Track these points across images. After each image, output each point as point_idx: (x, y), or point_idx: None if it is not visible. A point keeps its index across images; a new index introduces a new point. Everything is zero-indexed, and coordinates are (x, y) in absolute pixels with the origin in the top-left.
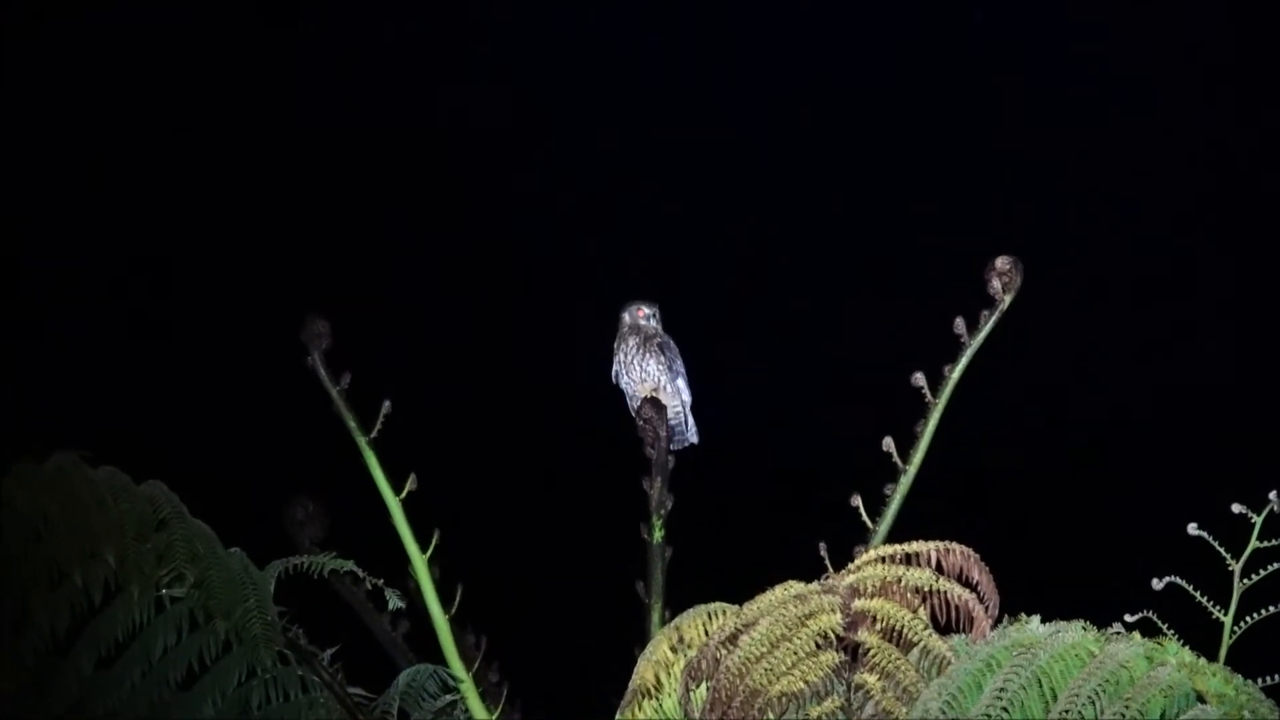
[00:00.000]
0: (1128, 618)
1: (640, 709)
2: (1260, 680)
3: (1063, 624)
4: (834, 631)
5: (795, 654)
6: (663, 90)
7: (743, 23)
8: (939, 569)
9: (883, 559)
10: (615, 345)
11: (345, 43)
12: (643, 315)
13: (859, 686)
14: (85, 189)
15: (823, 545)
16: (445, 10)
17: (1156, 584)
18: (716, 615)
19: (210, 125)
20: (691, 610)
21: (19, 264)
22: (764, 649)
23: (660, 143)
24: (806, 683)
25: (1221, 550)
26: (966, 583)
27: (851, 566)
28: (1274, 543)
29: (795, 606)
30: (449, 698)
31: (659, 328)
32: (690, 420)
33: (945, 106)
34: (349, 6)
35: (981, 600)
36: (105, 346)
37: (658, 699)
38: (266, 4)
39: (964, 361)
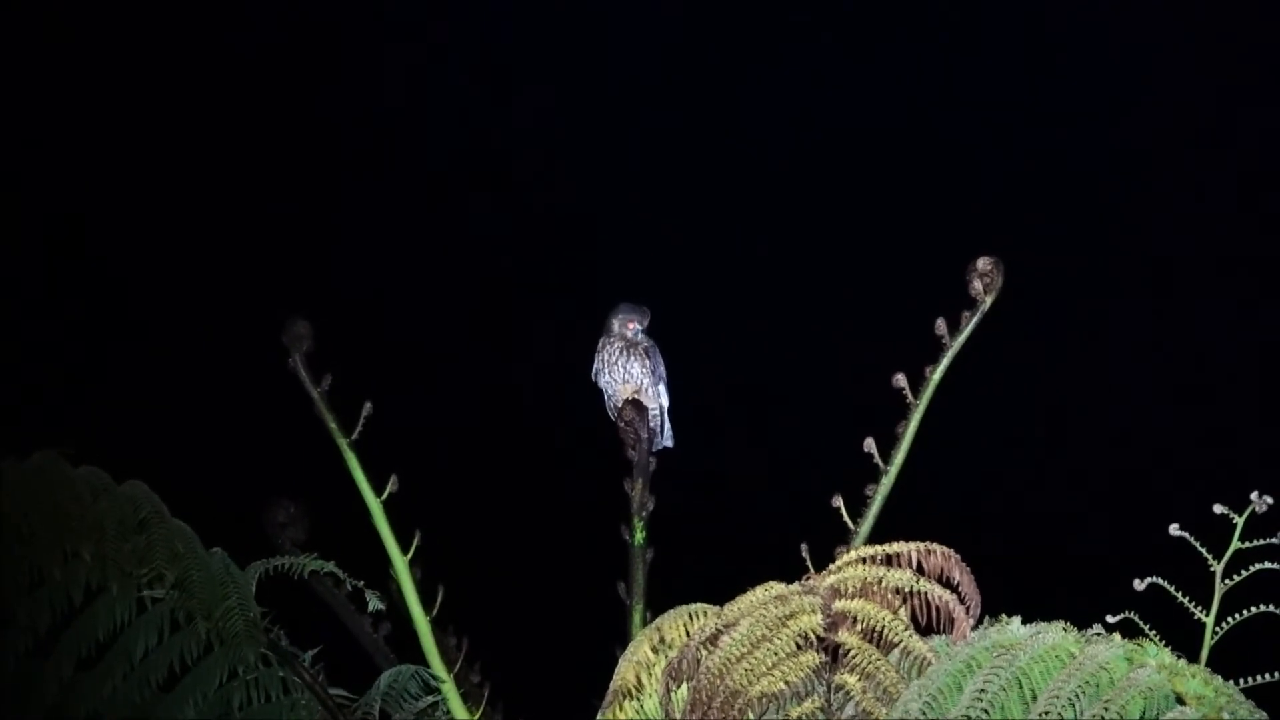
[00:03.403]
0: (1109, 619)
1: (621, 709)
2: (1241, 681)
3: (1043, 625)
4: (814, 632)
5: (776, 655)
6: (653, 92)
7: (731, 27)
8: (920, 570)
9: (864, 560)
10: (599, 343)
11: (331, 37)
12: (631, 328)
13: (839, 687)
14: (64, 187)
15: (804, 546)
16: (448, 8)
17: (1138, 585)
18: (697, 616)
19: (194, 127)
20: (672, 611)
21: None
22: (745, 649)
23: (649, 145)
24: (787, 683)
25: (1204, 551)
26: (947, 584)
27: (832, 567)
28: (1256, 543)
29: (776, 607)
30: (430, 699)
31: (645, 339)
32: (667, 425)
33: (930, 108)
34: (341, 7)
35: (962, 601)
36: (87, 347)
37: (639, 699)
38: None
39: (945, 362)
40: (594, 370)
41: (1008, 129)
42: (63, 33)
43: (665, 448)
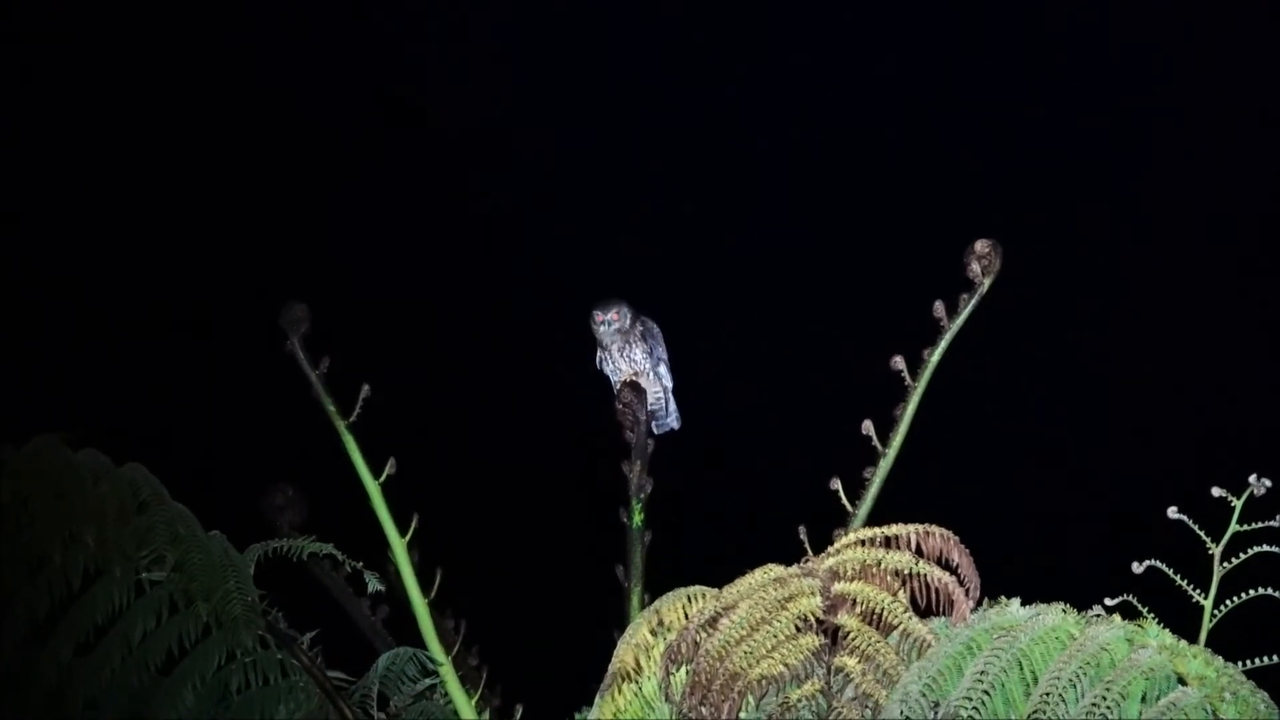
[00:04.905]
0: (1108, 600)
1: (620, 692)
2: (1240, 663)
3: (1043, 607)
4: (814, 615)
5: (775, 637)
6: (654, 89)
7: (725, 23)
8: (919, 552)
9: (862, 542)
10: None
11: (330, 34)
12: (600, 321)
13: (839, 669)
14: (63, 178)
15: (802, 528)
16: (450, 7)
17: (1137, 567)
18: (696, 598)
19: (187, 117)
20: (671, 594)
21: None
22: (744, 632)
23: (649, 136)
24: (786, 666)
25: (1202, 534)
26: (946, 565)
27: (831, 550)
28: (1254, 526)
29: (775, 590)
30: (428, 681)
31: (622, 327)
32: (672, 405)
33: (930, 91)
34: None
35: (962, 583)
36: (85, 332)
37: (637, 682)
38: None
39: (943, 345)
40: (598, 358)
41: (1007, 126)
42: (65, 26)
43: (672, 429)
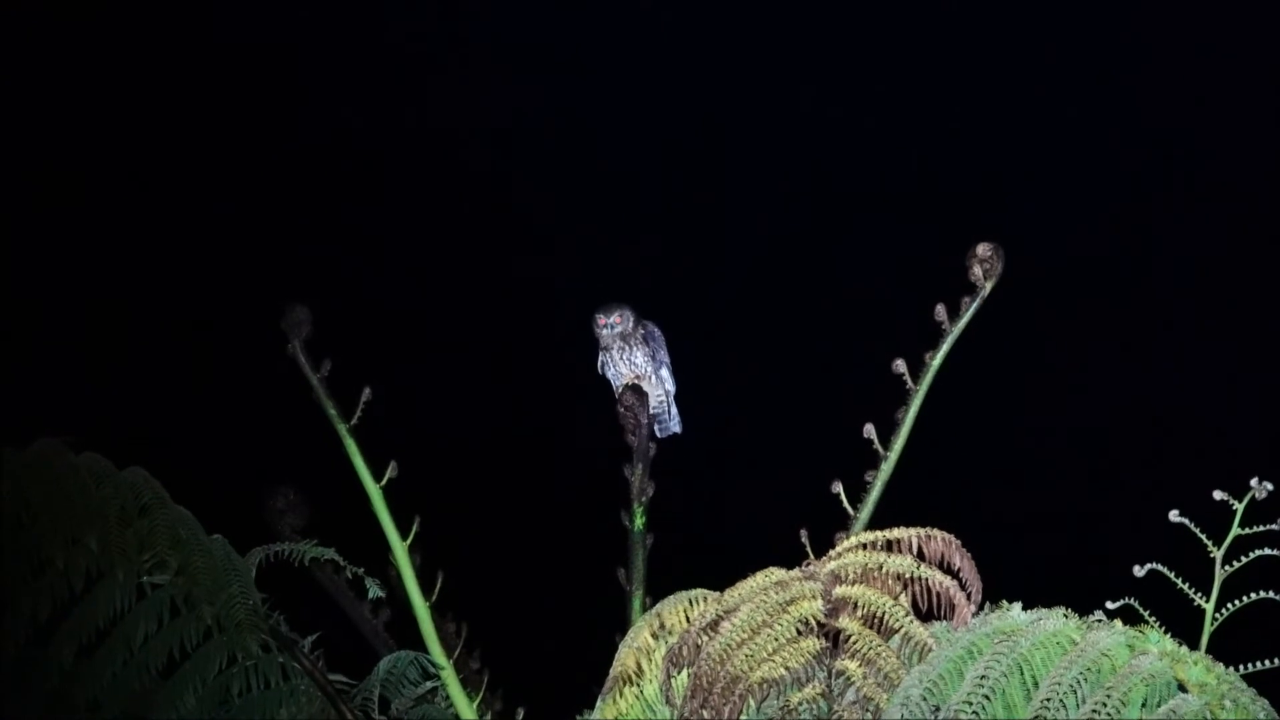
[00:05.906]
0: (1109, 605)
1: (621, 696)
2: (1241, 668)
3: (1044, 611)
4: (815, 618)
5: (776, 640)
6: (654, 90)
7: (725, 23)
8: (920, 555)
9: (864, 545)
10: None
11: (339, 37)
12: (603, 325)
13: (840, 673)
14: (65, 179)
15: (804, 532)
16: (450, 8)
17: (1138, 571)
18: (697, 602)
19: (189, 119)
20: (672, 597)
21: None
22: (745, 635)
23: (649, 137)
24: (787, 669)
25: (1203, 537)
26: (948, 569)
27: (833, 553)
28: (1256, 530)
29: (776, 593)
30: (429, 685)
31: (625, 330)
32: (674, 409)
33: (930, 95)
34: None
35: (963, 587)
36: (87, 335)
37: (639, 686)
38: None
39: (945, 348)
40: (600, 362)
41: (1008, 126)
42: (70, 24)
43: (675, 433)
